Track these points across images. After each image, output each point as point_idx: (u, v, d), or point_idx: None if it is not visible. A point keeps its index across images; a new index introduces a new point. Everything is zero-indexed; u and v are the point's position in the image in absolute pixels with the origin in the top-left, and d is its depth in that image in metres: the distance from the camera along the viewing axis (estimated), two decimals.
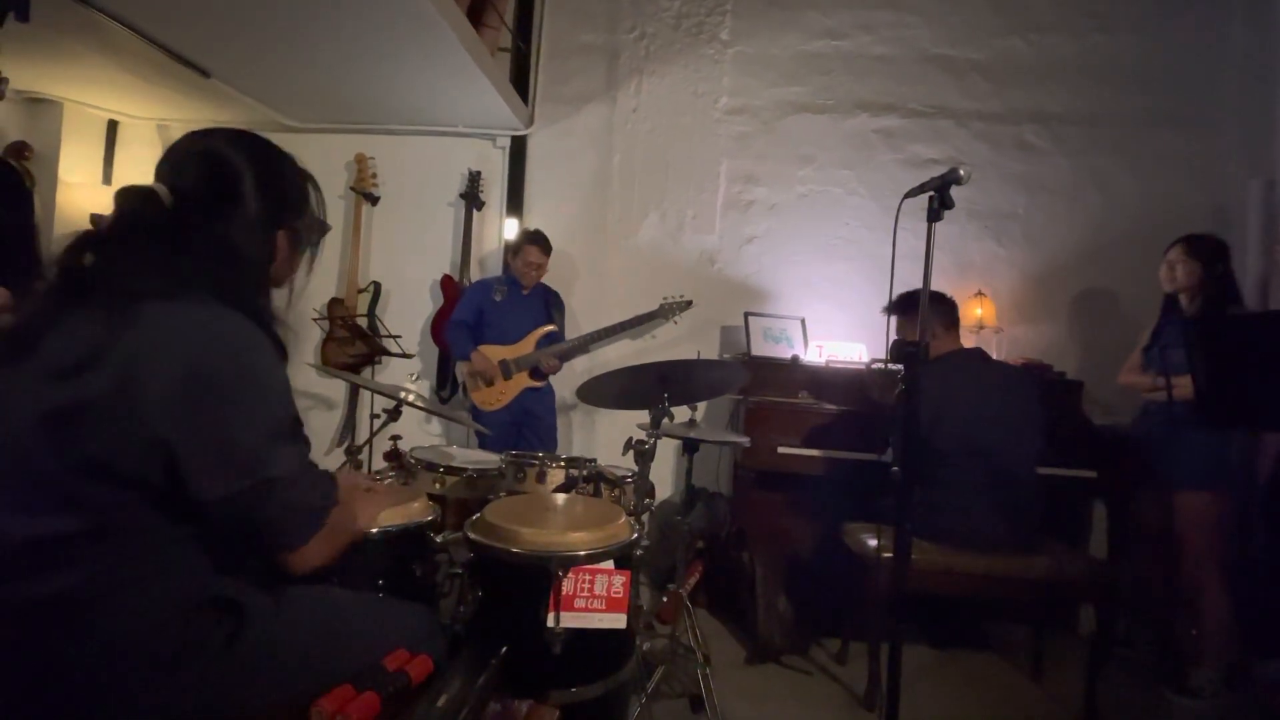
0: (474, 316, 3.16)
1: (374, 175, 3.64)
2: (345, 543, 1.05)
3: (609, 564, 1.37)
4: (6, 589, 0.84)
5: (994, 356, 2.66)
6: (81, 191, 3.54)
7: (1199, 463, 2.25)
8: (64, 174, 3.49)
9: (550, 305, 3.26)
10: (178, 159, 1.00)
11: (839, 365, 3.03)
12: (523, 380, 3.12)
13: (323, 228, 1.13)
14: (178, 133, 1.05)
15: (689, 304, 3.30)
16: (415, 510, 1.48)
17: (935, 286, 1.60)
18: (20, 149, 3.24)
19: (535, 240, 3.17)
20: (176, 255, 0.93)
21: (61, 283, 0.93)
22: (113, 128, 3.75)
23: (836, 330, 3.34)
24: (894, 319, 2.34)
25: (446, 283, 3.55)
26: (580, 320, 3.50)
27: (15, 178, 2.21)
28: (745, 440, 2.36)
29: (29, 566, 0.84)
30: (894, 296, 1.74)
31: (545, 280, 3.28)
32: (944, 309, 2.36)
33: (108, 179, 3.75)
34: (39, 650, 0.84)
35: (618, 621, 1.37)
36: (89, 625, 0.85)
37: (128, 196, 0.95)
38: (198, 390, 0.86)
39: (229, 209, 0.98)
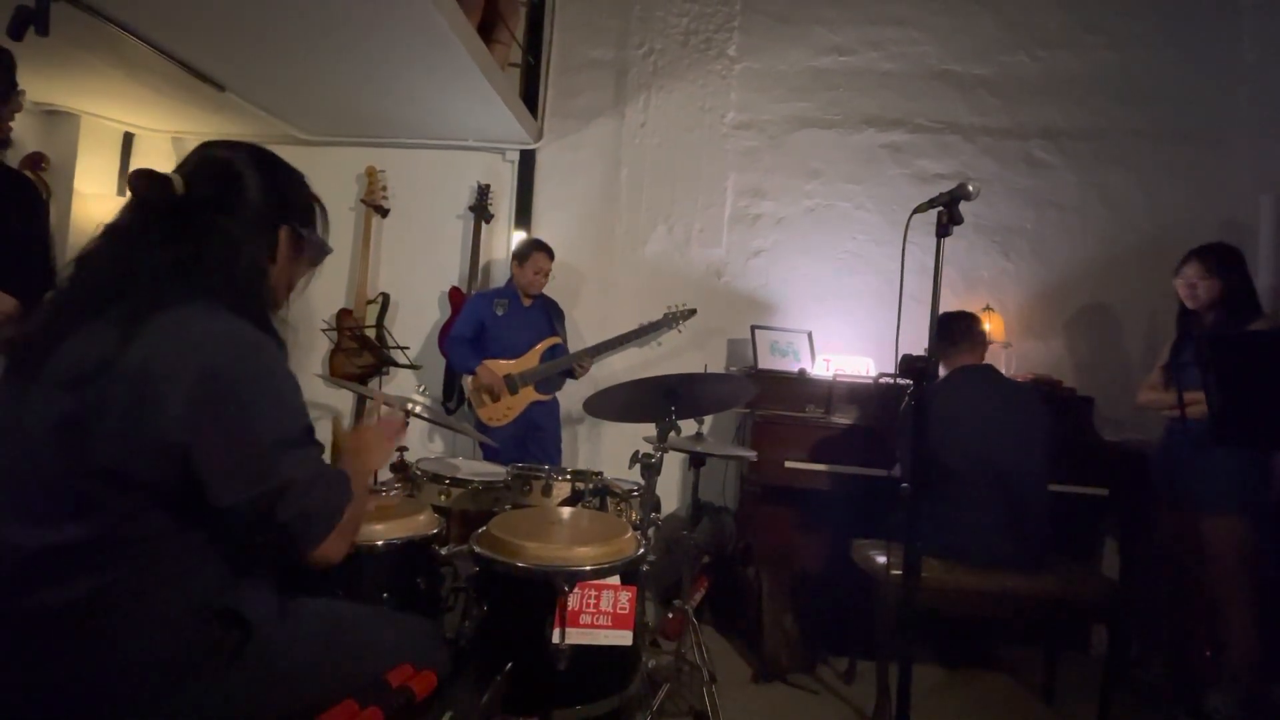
0: (474, 330, 3.14)
1: (384, 188, 3.67)
2: (359, 531, 1.10)
3: (615, 579, 1.36)
4: (20, 599, 0.84)
5: (1003, 372, 2.63)
6: (97, 202, 3.58)
7: (1227, 485, 2.19)
8: (79, 185, 3.53)
9: (552, 316, 3.26)
10: (189, 159, 1.05)
11: (846, 379, 3.02)
12: (529, 395, 3.10)
13: (324, 246, 1.15)
14: (192, 145, 1.09)
15: (693, 311, 3.31)
16: (420, 523, 1.48)
17: (943, 302, 1.60)
18: (37, 160, 3.29)
19: (542, 247, 3.17)
20: (182, 249, 0.96)
21: (71, 291, 0.95)
22: (128, 140, 3.80)
23: (844, 344, 3.33)
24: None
25: (454, 294, 3.56)
26: (586, 332, 3.50)
27: (30, 188, 2.22)
28: (752, 454, 2.36)
29: (42, 577, 0.84)
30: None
31: (552, 292, 3.28)
32: (959, 326, 2.37)
33: (122, 190, 3.79)
34: (50, 660, 0.84)
35: (623, 638, 1.36)
36: (99, 636, 0.85)
37: (143, 177, 0.98)
38: (216, 396, 0.88)
39: (233, 200, 1.02)
